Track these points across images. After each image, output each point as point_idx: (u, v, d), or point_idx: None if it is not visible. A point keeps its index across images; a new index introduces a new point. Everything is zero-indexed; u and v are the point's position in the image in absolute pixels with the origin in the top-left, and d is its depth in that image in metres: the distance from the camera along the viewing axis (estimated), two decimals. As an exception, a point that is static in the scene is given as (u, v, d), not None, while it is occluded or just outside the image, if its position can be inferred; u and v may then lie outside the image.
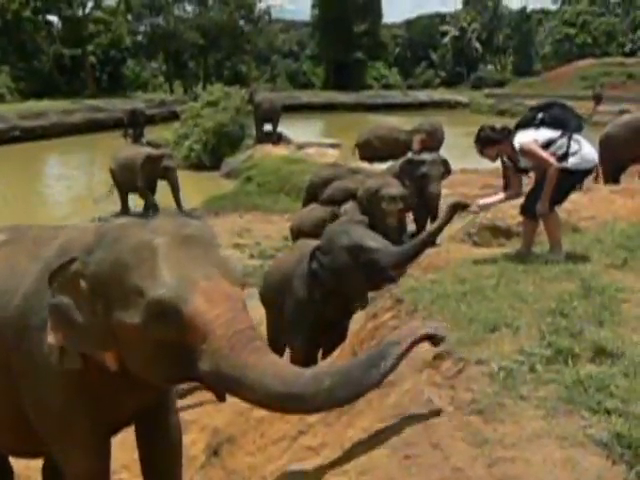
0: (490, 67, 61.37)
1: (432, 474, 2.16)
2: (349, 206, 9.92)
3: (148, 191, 15.12)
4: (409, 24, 67.68)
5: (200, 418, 5.54)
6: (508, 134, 4.40)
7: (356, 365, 2.56)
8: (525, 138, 4.25)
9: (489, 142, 4.43)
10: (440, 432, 2.37)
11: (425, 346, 2.94)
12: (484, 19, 61.23)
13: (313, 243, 6.06)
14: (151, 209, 14.93)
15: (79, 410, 3.22)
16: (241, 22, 50.49)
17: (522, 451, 2.14)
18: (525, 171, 4.47)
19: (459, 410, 2.47)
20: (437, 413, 2.48)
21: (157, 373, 2.89)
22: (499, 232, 9.07)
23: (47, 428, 3.41)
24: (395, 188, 9.77)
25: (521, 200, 4.62)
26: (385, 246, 5.38)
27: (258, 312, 6.60)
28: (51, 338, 3.01)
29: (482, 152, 4.49)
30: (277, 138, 23.23)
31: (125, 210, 15.18)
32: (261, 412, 3.97)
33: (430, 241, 5.30)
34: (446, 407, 2.51)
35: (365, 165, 16.34)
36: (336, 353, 3.92)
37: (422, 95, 50.41)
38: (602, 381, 2.41)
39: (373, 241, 5.40)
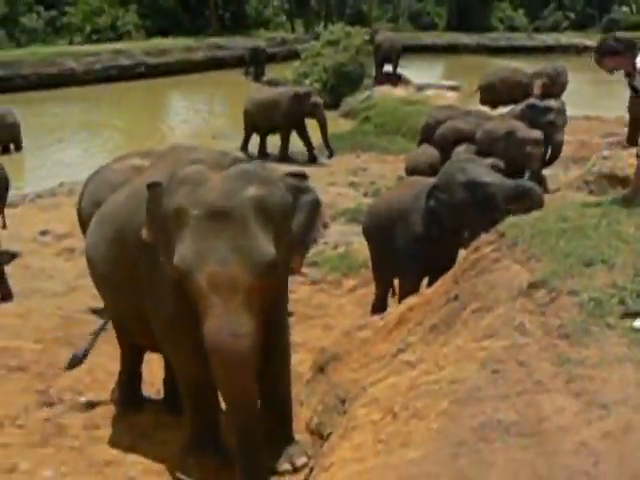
0: (625, 8, 58.04)
1: (515, 386, 2.38)
2: (463, 148, 9.94)
3: (289, 132, 14.82)
4: (539, -37, 64.81)
5: (309, 340, 5.90)
6: (632, 47, 4.18)
7: None
8: None
9: (609, 51, 4.15)
10: (527, 352, 2.57)
11: (522, 275, 3.13)
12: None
13: (424, 180, 6.22)
14: (284, 151, 14.85)
15: (184, 320, 3.56)
16: (365, -40, 49.78)
17: (601, 371, 2.32)
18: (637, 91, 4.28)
19: (547, 334, 2.65)
20: (527, 336, 2.68)
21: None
22: (617, 181, 8.98)
23: (158, 331, 3.84)
24: (534, 131, 9.79)
25: None
26: (501, 180, 5.52)
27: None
28: (144, 233, 3.57)
29: (599, 62, 4.27)
30: (397, 79, 23.12)
31: (245, 149, 15.33)
32: (366, 333, 4.27)
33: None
34: (535, 331, 2.70)
35: (484, 109, 16.11)
36: (438, 283, 4.13)
37: (549, 38, 48.43)
38: (688, 315, 2.54)
39: (489, 176, 5.56)
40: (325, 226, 3.80)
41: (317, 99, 14.99)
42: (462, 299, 3.33)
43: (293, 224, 3.50)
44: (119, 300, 4.18)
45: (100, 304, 6.83)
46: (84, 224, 5.42)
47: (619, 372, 2.30)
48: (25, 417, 4.56)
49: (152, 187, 3.50)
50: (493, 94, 17.36)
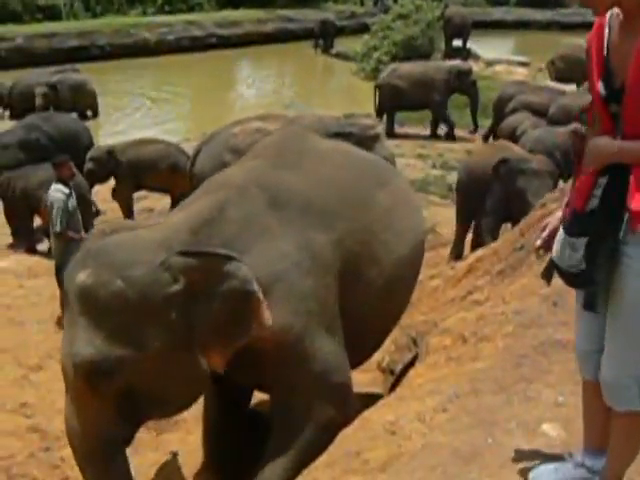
0: None
1: (572, 315, 2.71)
2: (532, 121, 10.13)
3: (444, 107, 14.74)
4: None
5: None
6: None
7: None
8: None
9: None
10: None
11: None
12: None
13: (510, 146, 7.30)
14: (448, 124, 14.83)
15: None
16: None
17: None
18: None
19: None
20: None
21: None
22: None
23: None
24: None
25: None
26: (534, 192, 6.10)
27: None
28: None
29: None
30: (466, 54, 23.14)
31: (391, 129, 14.70)
32: (437, 281, 4.62)
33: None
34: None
35: (554, 85, 16.15)
36: (504, 236, 4.47)
37: (624, 15, 47.46)
38: None
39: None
40: (262, 323, 2.80)
41: (474, 77, 14.92)
42: (527, 248, 3.66)
43: (209, 314, 2.78)
44: None
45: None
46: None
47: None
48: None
49: None
50: (563, 71, 17.36)
